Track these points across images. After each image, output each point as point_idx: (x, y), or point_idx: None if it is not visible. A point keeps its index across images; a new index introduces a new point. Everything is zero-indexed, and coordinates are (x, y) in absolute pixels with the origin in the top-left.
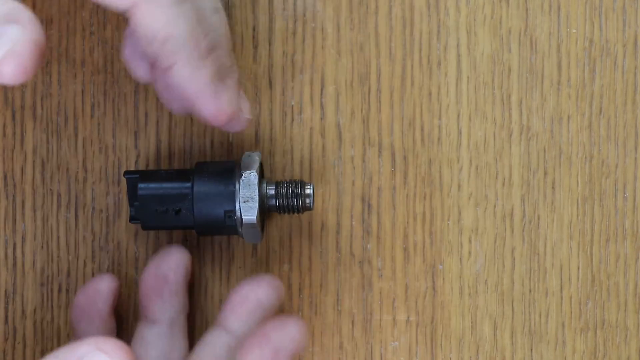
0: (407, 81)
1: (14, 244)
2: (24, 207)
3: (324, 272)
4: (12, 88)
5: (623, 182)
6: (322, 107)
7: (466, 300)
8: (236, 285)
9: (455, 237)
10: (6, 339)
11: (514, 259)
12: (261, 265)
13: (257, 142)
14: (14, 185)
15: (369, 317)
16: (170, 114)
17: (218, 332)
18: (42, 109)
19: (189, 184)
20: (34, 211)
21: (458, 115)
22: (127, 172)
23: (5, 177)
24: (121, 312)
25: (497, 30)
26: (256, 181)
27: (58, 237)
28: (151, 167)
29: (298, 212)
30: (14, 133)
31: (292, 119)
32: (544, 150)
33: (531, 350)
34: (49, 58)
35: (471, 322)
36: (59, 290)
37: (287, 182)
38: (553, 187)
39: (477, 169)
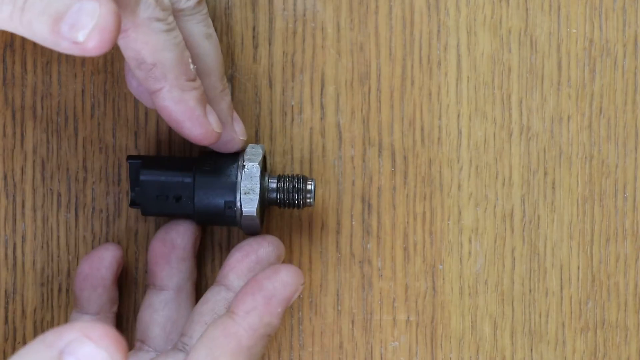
0: (407, 81)
1: (14, 244)
2: (24, 207)
3: (324, 272)
4: (12, 88)
5: (623, 182)
6: (322, 107)
7: (466, 300)
8: (230, 252)
9: (455, 237)
10: (6, 339)
11: (514, 259)
12: None
13: (257, 142)
14: (14, 185)
15: (369, 317)
16: None
17: (217, 288)
18: (42, 109)
19: (191, 173)
20: (34, 211)
21: (458, 115)
22: (130, 157)
23: (5, 177)
24: (122, 312)
25: (497, 30)
26: (258, 173)
27: (58, 237)
28: None
29: (298, 207)
30: (14, 133)
31: (292, 119)
32: (544, 150)
33: (531, 350)
34: (49, 58)
35: (471, 322)
36: (59, 290)
37: (289, 177)
38: (553, 187)
39: (477, 169)
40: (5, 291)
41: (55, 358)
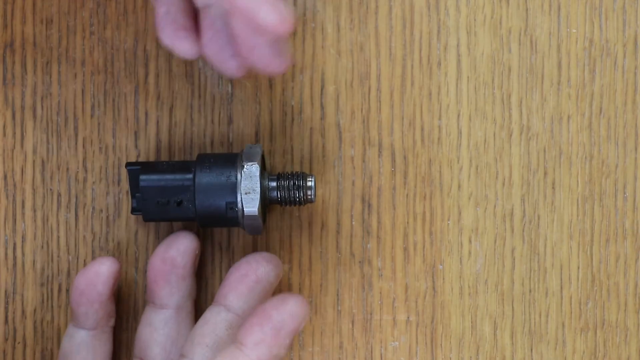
0: (407, 81)
1: (14, 244)
2: (24, 207)
3: (324, 272)
4: (12, 88)
5: (623, 182)
6: (322, 107)
7: (466, 300)
8: (235, 263)
9: (455, 237)
10: (6, 339)
11: (514, 259)
12: None
13: (257, 142)
14: (14, 185)
15: (369, 317)
16: (171, 114)
17: (217, 309)
18: (42, 109)
19: (190, 176)
20: (34, 211)
21: (458, 115)
22: (128, 164)
23: (5, 177)
24: (121, 312)
25: (497, 30)
26: (258, 173)
27: (58, 237)
28: None
29: (299, 204)
30: (14, 133)
31: (292, 119)
32: (544, 150)
33: (531, 350)
34: (49, 58)
35: (471, 322)
36: (59, 290)
37: (288, 174)
38: (553, 187)
39: (477, 169)
40: (5, 291)
41: None
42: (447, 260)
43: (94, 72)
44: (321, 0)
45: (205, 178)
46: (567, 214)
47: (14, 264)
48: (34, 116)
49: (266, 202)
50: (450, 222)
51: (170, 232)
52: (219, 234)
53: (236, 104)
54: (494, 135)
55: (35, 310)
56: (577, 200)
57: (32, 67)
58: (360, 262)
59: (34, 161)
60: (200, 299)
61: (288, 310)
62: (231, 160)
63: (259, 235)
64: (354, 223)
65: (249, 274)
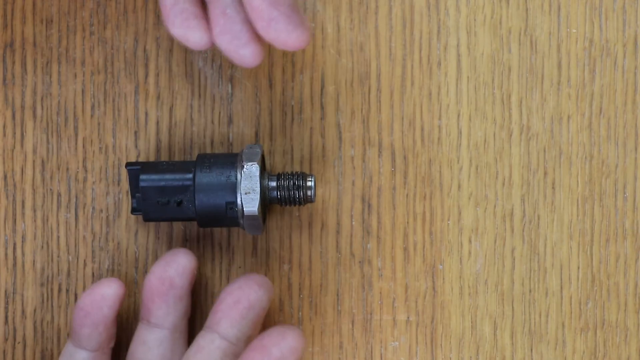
0: (407, 81)
1: (14, 244)
2: (24, 207)
3: (324, 272)
4: (12, 88)
5: (623, 182)
6: (322, 107)
7: (466, 300)
8: (225, 286)
9: (455, 237)
10: (6, 339)
11: (514, 259)
12: (261, 265)
13: (257, 142)
14: (14, 185)
15: (369, 317)
16: (171, 114)
17: (211, 336)
18: (42, 109)
19: (190, 176)
20: (34, 211)
21: (458, 115)
22: (128, 164)
23: (5, 177)
24: (120, 311)
25: (497, 30)
26: (258, 173)
27: (58, 237)
28: None
29: (299, 204)
30: (14, 133)
31: (292, 119)
32: (544, 150)
33: (531, 350)
34: (49, 58)
35: (471, 322)
36: (59, 290)
37: (288, 174)
38: (553, 187)
39: (477, 169)
40: (5, 291)
41: None
42: (447, 260)
43: (94, 72)
44: (321, 0)
45: (205, 178)
46: (567, 214)
47: (14, 264)
48: (34, 116)
49: (266, 202)
50: (450, 222)
51: (170, 232)
52: (219, 234)
53: (236, 104)
54: (494, 135)
55: (35, 310)
56: (577, 200)
57: (32, 67)
58: (360, 262)
59: (34, 161)
60: (200, 299)
61: (287, 345)
62: (231, 160)
63: (259, 235)
64: (354, 223)
65: (241, 300)
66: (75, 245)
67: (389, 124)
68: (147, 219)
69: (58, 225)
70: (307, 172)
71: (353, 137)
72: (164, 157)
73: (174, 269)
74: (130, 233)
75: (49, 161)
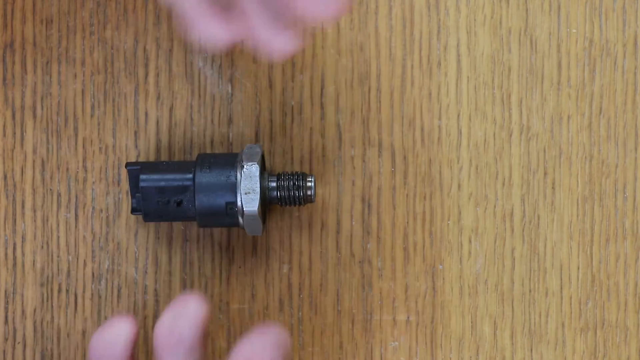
0: (407, 81)
1: (14, 244)
2: (24, 207)
3: (324, 272)
4: (12, 88)
5: (623, 182)
6: (322, 107)
7: (466, 300)
8: (240, 343)
9: (455, 237)
10: (6, 339)
11: (514, 259)
12: (261, 265)
13: (257, 142)
14: (14, 185)
15: (369, 317)
16: (171, 114)
17: None
18: (42, 109)
19: (190, 176)
20: (34, 211)
21: (458, 115)
22: (128, 164)
23: (5, 177)
24: (121, 312)
25: (497, 30)
26: (257, 173)
27: (58, 237)
28: None
29: (299, 204)
30: (14, 133)
31: (292, 119)
32: (544, 150)
33: (531, 350)
34: (49, 58)
35: (471, 322)
36: (59, 290)
37: (288, 174)
38: (553, 187)
39: (477, 169)
40: (5, 291)
41: None
42: (447, 260)
43: (94, 72)
44: None
45: (205, 178)
46: (567, 214)
47: (14, 264)
48: (34, 116)
49: (266, 202)
50: (450, 222)
51: (170, 232)
52: (219, 234)
53: (236, 104)
54: (494, 135)
55: (35, 310)
56: (577, 200)
57: (32, 67)
58: (360, 262)
59: (34, 161)
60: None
61: None
62: (231, 160)
63: (259, 235)
64: (354, 223)
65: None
66: (75, 245)
67: (389, 124)
68: (147, 219)
69: (58, 225)
70: (307, 172)
71: (353, 137)
72: (164, 157)
73: (184, 321)
74: (130, 233)
75: (49, 161)
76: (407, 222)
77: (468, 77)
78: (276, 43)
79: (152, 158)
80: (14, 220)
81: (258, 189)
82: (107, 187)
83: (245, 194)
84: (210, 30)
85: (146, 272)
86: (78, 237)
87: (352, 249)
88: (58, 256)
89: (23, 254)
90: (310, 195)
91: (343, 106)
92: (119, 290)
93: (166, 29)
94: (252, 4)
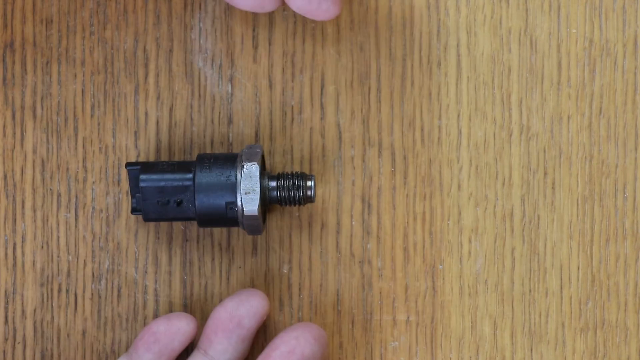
0: (407, 81)
1: (14, 244)
2: (24, 207)
3: (324, 272)
4: (12, 88)
5: (623, 182)
6: (322, 107)
7: (466, 300)
8: (281, 332)
9: (455, 237)
10: (6, 339)
11: (514, 259)
12: (261, 265)
13: (257, 142)
14: (14, 185)
15: (369, 317)
16: (171, 114)
17: None
18: (42, 109)
19: (190, 176)
20: (34, 211)
21: (458, 115)
22: (128, 164)
23: (5, 177)
24: (121, 312)
25: (497, 30)
26: (257, 173)
27: (58, 237)
28: None
29: (299, 204)
30: (14, 133)
31: (292, 119)
32: (544, 150)
33: (531, 350)
34: (49, 58)
35: (471, 322)
36: (59, 290)
37: (288, 174)
38: (553, 187)
39: (477, 169)
40: (5, 291)
41: None
42: (447, 260)
43: (94, 72)
44: None
45: (205, 178)
46: (567, 214)
47: (14, 264)
48: (34, 116)
49: (266, 202)
50: (450, 222)
51: (170, 232)
52: (219, 234)
53: (236, 104)
54: (494, 135)
55: (35, 310)
56: (577, 200)
57: (32, 67)
58: (360, 262)
59: (34, 161)
60: (200, 299)
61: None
62: (231, 160)
63: (259, 235)
64: (354, 223)
65: (295, 352)
66: (75, 245)
67: (389, 124)
68: (147, 219)
69: (58, 225)
70: (307, 172)
71: (353, 137)
72: (164, 157)
73: (246, 309)
74: (130, 233)
75: (49, 161)
76: (407, 222)
77: (468, 77)
78: (324, 7)
79: (152, 158)
80: (14, 220)
81: (258, 189)
82: (107, 187)
83: (245, 194)
84: None
85: (146, 272)
86: (78, 237)
87: (352, 249)
88: (58, 256)
89: (23, 254)
90: (310, 195)
91: (343, 106)
92: (119, 290)
93: (166, 29)
94: None
